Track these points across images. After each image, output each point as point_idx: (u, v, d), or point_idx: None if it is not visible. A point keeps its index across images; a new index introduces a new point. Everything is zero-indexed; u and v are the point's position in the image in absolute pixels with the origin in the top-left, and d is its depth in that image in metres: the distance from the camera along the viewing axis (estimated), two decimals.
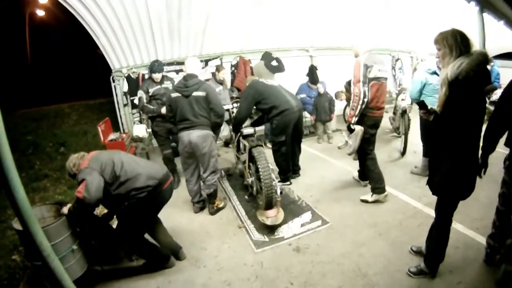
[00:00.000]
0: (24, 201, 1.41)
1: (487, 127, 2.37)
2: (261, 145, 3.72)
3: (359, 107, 3.48)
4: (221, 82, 5.99)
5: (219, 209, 3.94)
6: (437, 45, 2.20)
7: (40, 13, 13.26)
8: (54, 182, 5.01)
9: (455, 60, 2.03)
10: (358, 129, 3.56)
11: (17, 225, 2.26)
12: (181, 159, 3.81)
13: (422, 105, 2.30)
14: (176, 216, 3.84)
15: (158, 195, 2.69)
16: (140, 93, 4.62)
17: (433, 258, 2.48)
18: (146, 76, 5.54)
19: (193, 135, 3.55)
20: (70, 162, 2.62)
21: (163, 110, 4.31)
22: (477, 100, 2.07)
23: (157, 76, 4.60)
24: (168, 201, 2.89)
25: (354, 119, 3.54)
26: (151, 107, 4.56)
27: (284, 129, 4.14)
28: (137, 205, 2.60)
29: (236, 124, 4.38)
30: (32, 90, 11.21)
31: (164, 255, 2.92)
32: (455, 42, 2.07)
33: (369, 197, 3.83)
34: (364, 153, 3.80)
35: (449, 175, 2.16)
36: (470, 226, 3.10)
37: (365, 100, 3.45)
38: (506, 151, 2.46)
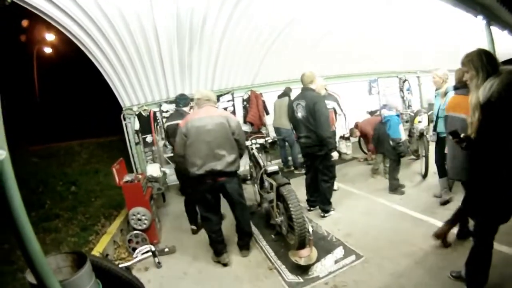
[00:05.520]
0: (38, 253, 1.26)
1: None
2: (289, 183, 3.54)
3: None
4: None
5: None
6: (464, 68, 2.19)
7: (48, 50, 13.58)
8: (65, 223, 4.82)
9: (485, 82, 2.00)
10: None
11: (30, 277, 2.10)
12: None
13: (455, 134, 2.25)
14: (202, 261, 3.63)
15: None
16: None
17: (476, 282, 2.36)
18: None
19: None
20: None
21: None
22: None
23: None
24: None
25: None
26: None
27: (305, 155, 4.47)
28: None
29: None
30: (41, 128, 11.24)
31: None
32: (481, 63, 2.05)
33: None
34: None
35: (492, 199, 2.09)
36: (504, 241, 2.92)
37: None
38: None
